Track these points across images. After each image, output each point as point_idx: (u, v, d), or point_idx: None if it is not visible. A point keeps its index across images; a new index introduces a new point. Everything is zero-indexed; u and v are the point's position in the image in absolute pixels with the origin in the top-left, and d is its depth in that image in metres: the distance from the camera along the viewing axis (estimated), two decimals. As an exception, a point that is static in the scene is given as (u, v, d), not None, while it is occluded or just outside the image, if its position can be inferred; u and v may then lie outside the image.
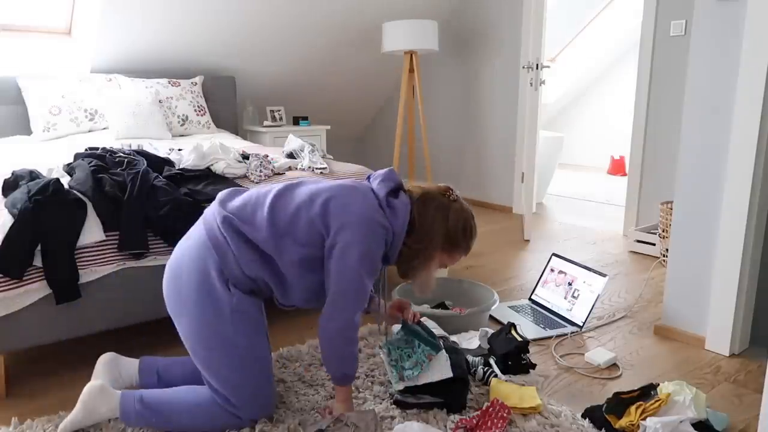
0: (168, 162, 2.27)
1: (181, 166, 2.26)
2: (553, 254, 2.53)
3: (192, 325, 1.47)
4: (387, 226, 1.49)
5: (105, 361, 1.64)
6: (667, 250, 2.98)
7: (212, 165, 2.28)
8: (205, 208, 1.85)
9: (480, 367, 1.81)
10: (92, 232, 1.79)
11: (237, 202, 1.54)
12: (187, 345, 1.51)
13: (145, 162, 2.13)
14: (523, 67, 4.21)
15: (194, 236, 1.52)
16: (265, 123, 4.41)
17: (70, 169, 2.04)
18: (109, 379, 1.61)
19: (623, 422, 1.52)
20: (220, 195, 1.57)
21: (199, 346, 1.48)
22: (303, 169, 2.51)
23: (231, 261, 1.46)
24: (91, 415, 1.50)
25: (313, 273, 1.50)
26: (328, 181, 1.58)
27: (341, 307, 1.45)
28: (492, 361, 1.85)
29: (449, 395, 1.63)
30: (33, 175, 1.94)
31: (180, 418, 1.49)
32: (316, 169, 2.50)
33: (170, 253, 1.90)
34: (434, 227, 1.55)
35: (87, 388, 1.51)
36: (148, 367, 1.67)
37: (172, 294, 1.50)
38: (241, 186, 2.18)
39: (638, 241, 3.33)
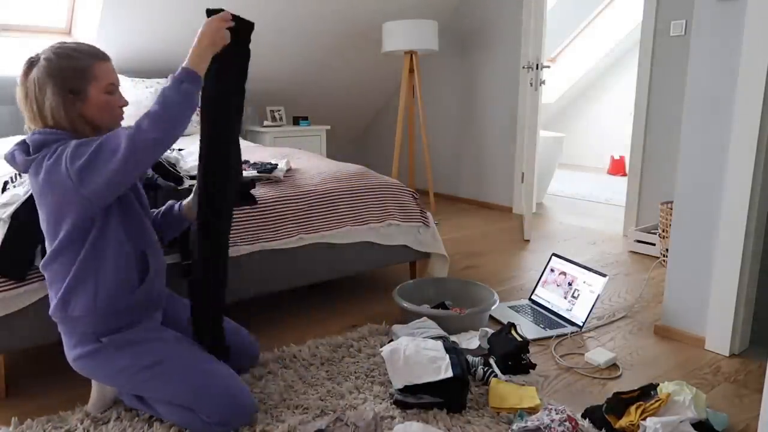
0: (169, 163, 2.26)
1: (186, 169, 2.25)
2: (553, 254, 2.53)
3: (109, 381, 1.52)
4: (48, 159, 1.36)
5: None
6: (667, 250, 2.98)
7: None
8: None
9: (480, 367, 1.81)
10: (92, 232, 1.79)
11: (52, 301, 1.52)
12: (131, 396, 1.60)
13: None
14: (523, 67, 4.21)
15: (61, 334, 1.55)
16: (265, 123, 4.41)
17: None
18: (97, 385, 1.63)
19: (623, 422, 1.52)
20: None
21: (131, 390, 1.54)
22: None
23: (85, 322, 1.47)
24: (103, 386, 1.60)
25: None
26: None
27: (116, 145, 1.31)
28: (492, 361, 1.85)
29: (449, 395, 1.63)
30: None
31: (164, 412, 1.54)
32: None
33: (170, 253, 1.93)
34: (53, 80, 1.39)
35: None
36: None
37: (84, 374, 1.54)
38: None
39: (638, 241, 3.33)
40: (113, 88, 1.48)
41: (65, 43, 1.47)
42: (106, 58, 1.48)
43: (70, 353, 1.52)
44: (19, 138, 3.20)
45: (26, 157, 1.41)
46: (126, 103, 1.52)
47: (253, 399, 1.55)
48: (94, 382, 1.61)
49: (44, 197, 1.40)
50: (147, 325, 1.55)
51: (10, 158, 1.43)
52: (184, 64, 1.40)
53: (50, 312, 1.49)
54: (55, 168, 1.36)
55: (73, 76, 1.41)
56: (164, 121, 1.33)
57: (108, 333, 1.48)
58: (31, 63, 1.44)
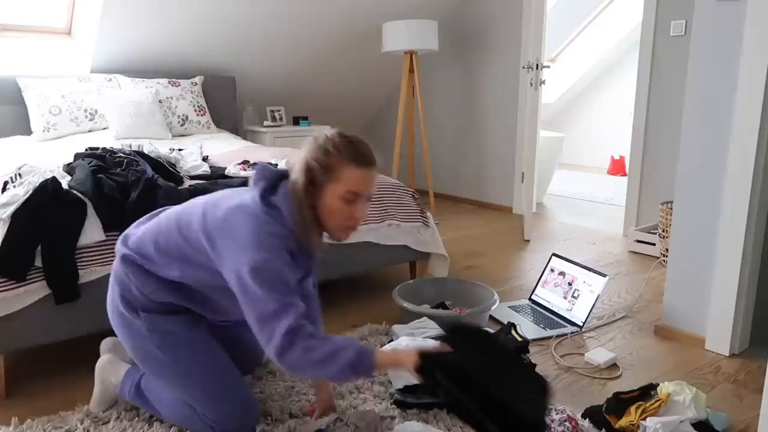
0: (169, 163, 2.27)
1: (186, 169, 2.26)
2: (553, 254, 2.53)
3: (130, 351, 1.51)
4: (277, 232, 1.32)
5: (103, 362, 1.66)
6: (667, 250, 2.98)
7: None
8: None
9: (480, 367, 1.81)
10: (92, 232, 1.79)
11: (137, 234, 1.49)
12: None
13: (147, 164, 2.12)
14: (523, 67, 4.21)
15: (112, 270, 1.53)
16: (265, 123, 4.41)
17: (70, 169, 2.04)
18: (101, 379, 1.63)
19: (623, 422, 1.52)
20: (128, 230, 1.54)
21: (146, 370, 1.52)
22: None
23: (134, 292, 1.45)
24: (105, 385, 1.61)
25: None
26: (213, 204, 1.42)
27: (269, 329, 1.25)
28: (492, 361, 1.84)
29: (449, 395, 1.63)
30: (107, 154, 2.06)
31: (165, 411, 1.54)
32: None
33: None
34: (305, 162, 1.35)
35: (98, 363, 1.64)
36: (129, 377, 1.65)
37: (113, 325, 1.53)
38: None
39: (638, 241, 3.33)
40: (353, 197, 1.35)
41: (345, 136, 1.41)
42: (364, 165, 1.37)
43: (113, 301, 1.49)
44: (19, 137, 3.21)
45: (256, 189, 1.36)
46: (363, 218, 1.39)
47: (258, 410, 1.55)
48: (97, 381, 1.61)
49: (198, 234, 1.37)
50: (187, 318, 1.50)
51: (258, 175, 1.39)
52: (374, 356, 1.26)
53: (119, 266, 1.47)
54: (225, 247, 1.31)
55: (317, 170, 1.33)
56: (311, 370, 1.26)
57: (151, 309, 1.46)
58: (319, 136, 1.39)
